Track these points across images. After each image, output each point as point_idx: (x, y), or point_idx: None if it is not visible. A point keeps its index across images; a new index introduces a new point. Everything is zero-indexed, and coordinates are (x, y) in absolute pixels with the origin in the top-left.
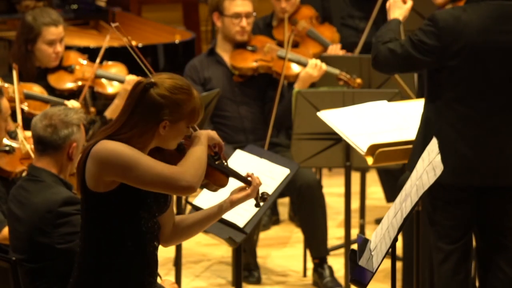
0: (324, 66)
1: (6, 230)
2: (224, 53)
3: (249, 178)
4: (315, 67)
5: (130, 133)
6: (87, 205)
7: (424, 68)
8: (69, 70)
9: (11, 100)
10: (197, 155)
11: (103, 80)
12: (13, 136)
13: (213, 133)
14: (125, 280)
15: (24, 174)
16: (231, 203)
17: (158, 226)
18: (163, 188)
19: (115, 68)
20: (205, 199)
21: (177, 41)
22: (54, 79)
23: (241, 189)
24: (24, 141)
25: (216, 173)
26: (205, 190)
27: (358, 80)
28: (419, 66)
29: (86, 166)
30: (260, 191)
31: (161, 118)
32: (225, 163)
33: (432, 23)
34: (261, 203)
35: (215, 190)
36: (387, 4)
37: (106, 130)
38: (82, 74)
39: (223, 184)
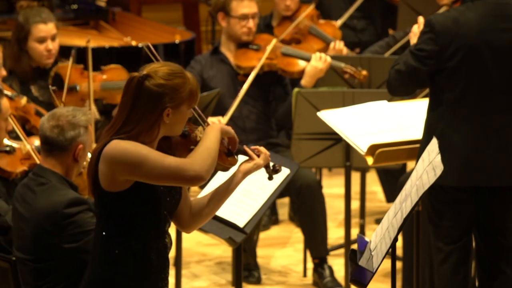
0: (328, 59)
1: None
2: (229, 52)
3: (256, 152)
4: (319, 60)
5: (137, 129)
6: (101, 206)
7: (429, 80)
8: (74, 89)
9: (26, 112)
10: (207, 145)
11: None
12: (13, 136)
13: (227, 128)
14: (136, 278)
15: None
16: (242, 174)
17: (169, 224)
18: (172, 180)
19: (116, 73)
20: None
21: (177, 41)
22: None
23: (249, 160)
24: (25, 140)
25: (223, 154)
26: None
27: (364, 72)
28: (424, 78)
29: (98, 167)
30: (271, 166)
31: (163, 106)
32: (236, 157)
33: (428, 28)
34: (274, 176)
35: (224, 170)
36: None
37: (109, 130)
38: (86, 90)
39: (232, 163)
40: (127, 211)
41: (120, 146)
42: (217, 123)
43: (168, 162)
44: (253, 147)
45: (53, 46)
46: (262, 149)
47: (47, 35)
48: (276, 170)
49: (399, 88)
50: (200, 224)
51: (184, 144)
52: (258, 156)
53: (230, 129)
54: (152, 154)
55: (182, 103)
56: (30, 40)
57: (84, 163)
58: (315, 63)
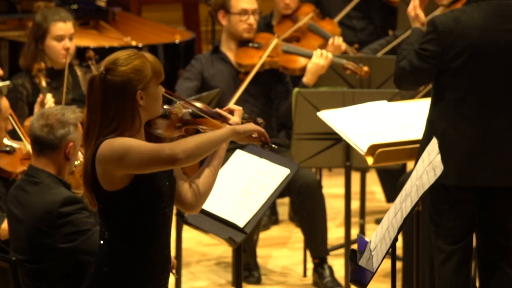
0: (330, 55)
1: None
2: (229, 51)
3: (228, 111)
4: (321, 56)
5: (120, 125)
6: (105, 208)
7: (434, 76)
8: None
9: None
10: (201, 136)
11: None
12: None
13: (244, 127)
14: (138, 274)
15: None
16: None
17: (171, 219)
18: (151, 163)
19: None
20: (214, 204)
21: (177, 41)
22: None
23: (226, 120)
24: (25, 141)
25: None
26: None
27: (365, 68)
28: (429, 75)
29: (95, 173)
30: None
31: (134, 91)
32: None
33: (432, 28)
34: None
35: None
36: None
37: (89, 136)
38: None
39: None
40: (131, 208)
41: (110, 144)
42: (234, 125)
43: (149, 147)
44: (225, 107)
45: (70, 45)
46: (234, 106)
47: (66, 34)
48: (259, 124)
49: (405, 84)
50: (203, 201)
51: (169, 123)
52: (233, 114)
53: (249, 127)
54: (134, 144)
55: (149, 82)
56: (48, 39)
57: (77, 162)
58: (317, 60)
